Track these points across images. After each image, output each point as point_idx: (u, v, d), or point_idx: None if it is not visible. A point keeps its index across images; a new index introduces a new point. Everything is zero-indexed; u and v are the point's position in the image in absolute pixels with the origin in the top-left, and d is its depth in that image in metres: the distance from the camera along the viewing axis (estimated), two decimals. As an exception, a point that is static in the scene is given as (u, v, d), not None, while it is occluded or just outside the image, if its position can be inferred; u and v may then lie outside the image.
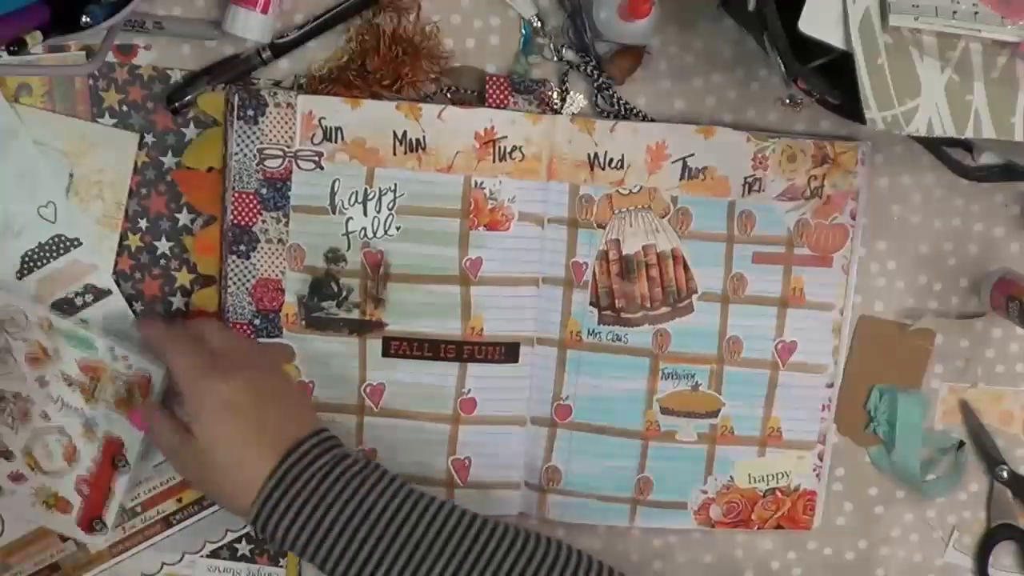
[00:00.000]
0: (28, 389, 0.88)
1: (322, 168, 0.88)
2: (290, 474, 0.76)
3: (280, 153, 0.87)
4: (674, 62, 0.92)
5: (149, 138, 0.88)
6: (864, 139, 0.93)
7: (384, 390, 0.91)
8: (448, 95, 0.90)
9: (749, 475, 0.96)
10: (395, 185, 0.88)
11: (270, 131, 0.86)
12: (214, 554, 0.93)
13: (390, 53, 0.87)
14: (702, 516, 0.96)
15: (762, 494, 0.96)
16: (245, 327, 0.89)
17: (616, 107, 0.91)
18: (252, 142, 0.86)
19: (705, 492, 0.96)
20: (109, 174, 0.88)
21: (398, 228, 0.89)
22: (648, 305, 0.93)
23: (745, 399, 0.95)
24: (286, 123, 0.87)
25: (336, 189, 0.88)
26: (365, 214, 0.88)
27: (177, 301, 0.90)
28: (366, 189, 0.88)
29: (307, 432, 0.78)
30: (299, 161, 0.87)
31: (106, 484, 0.89)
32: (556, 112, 0.90)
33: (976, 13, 0.75)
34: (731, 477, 0.96)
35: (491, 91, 0.89)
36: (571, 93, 0.90)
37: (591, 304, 0.92)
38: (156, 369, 0.87)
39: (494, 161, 0.89)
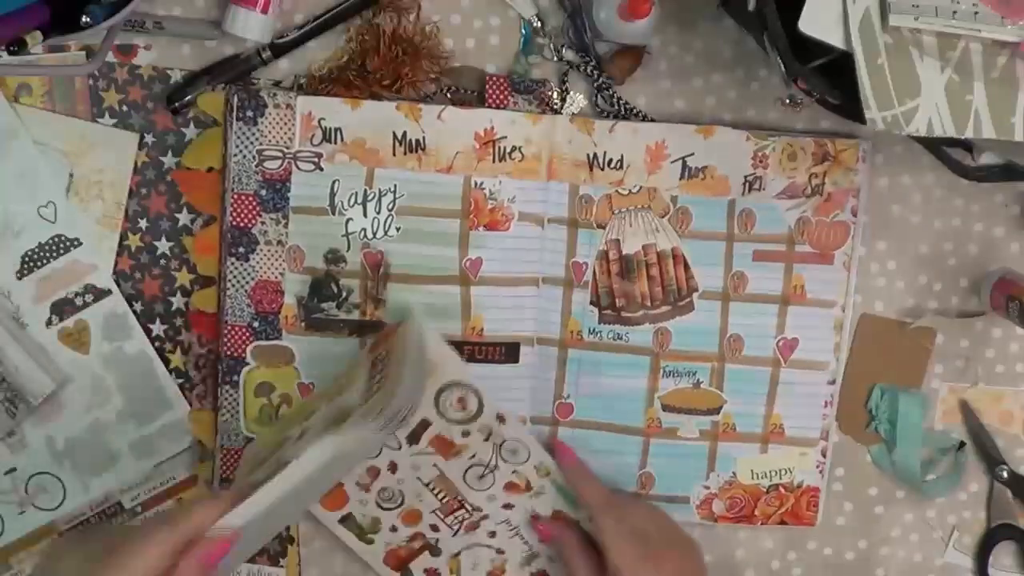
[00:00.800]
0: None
1: (322, 169, 0.88)
2: None
3: (279, 154, 0.87)
4: (674, 62, 0.92)
5: (149, 138, 0.88)
6: (864, 139, 0.93)
7: (385, 390, 0.91)
8: (448, 95, 0.90)
9: (752, 471, 0.96)
10: (395, 186, 0.88)
11: (269, 132, 0.86)
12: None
13: (390, 53, 0.87)
14: (704, 511, 0.96)
15: (765, 490, 0.96)
16: (244, 329, 0.89)
17: (616, 107, 0.91)
18: (251, 143, 0.86)
19: (707, 488, 0.96)
20: (109, 174, 0.88)
21: (398, 229, 0.89)
22: (649, 304, 0.93)
23: (747, 396, 0.95)
24: (285, 124, 0.87)
25: (336, 190, 0.88)
26: (365, 215, 0.88)
27: (177, 301, 0.90)
28: (366, 190, 0.88)
29: None
30: (298, 162, 0.87)
31: None
32: (556, 112, 0.90)
33: (976, 13, 0.75)
34: (733, 473, 0.96)
35: (491, 91, 0.89)
36: (571, 93, 0.90)
37: (591, 304, 0.92)
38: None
39: (494, 161, 0.89)
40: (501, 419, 0.89)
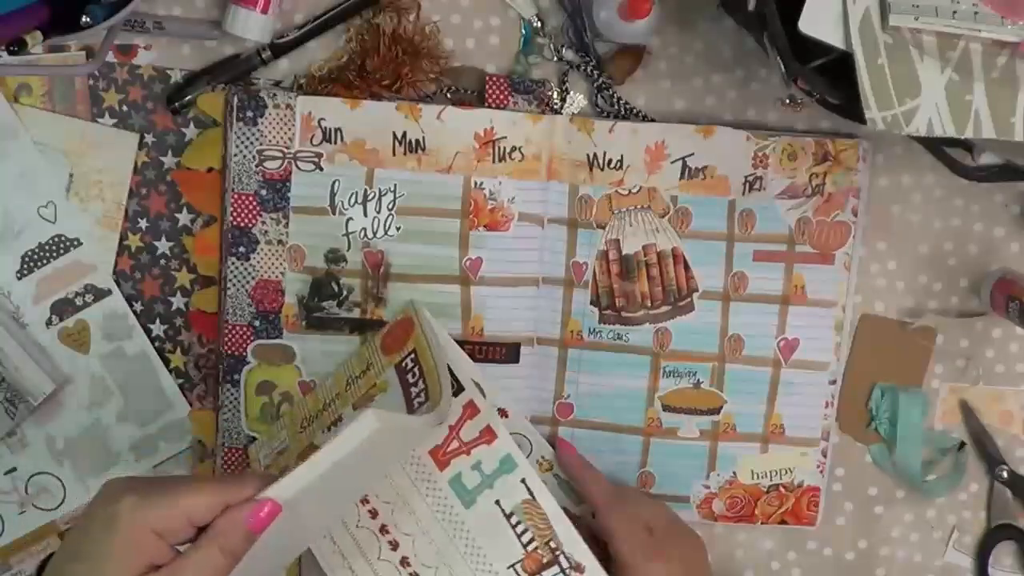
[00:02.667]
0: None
1: (322, 169, 0.88)
2: None
3: (280, 154, 0.87)
4: (674, 62, 0.92)
5: (149, 138, 0.88)
6: (864, 139, 0.93)
7: (385, 390, 0.91)
8: (448, 95, 0.90)
9: (752, 471, 0.96)
10: (395, 186, 0.88)
11: (269, 132, 0.87)
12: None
13: (390, 53, 0.87)
14: (704, 510, 0.96)
15: (765, 490, 0.96)
16: (245, 328, 0.89)
17: (616, 107, 0.91)
18: (251, 144, 0.87)
19: (708, 487, 0.96)
20: (109, 174, 0.88)
21: (398, 228, 0.89)
22: (649, 304, 0.93)
23: (747, 396, 0.95)
24: (285, 124, 0.87)
25: (336, 190, 0.88)
26: (365, 214, 0.89)
27: (177, 301, 0.90)
28: (366, 190, 0.88)
29: None
30: (299, 162, 0.87)
31: None
32: (556, 112, 0.90)
33: (976, 13, 0.75)
34: (734, 473, 0.95)
35: (491, 91, 0.89)
36: (571, 93, 0.90)
37: (591, 303, 0.92)
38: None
39: (494, 162, 0.89)
40: (503, 414, 0.88)
